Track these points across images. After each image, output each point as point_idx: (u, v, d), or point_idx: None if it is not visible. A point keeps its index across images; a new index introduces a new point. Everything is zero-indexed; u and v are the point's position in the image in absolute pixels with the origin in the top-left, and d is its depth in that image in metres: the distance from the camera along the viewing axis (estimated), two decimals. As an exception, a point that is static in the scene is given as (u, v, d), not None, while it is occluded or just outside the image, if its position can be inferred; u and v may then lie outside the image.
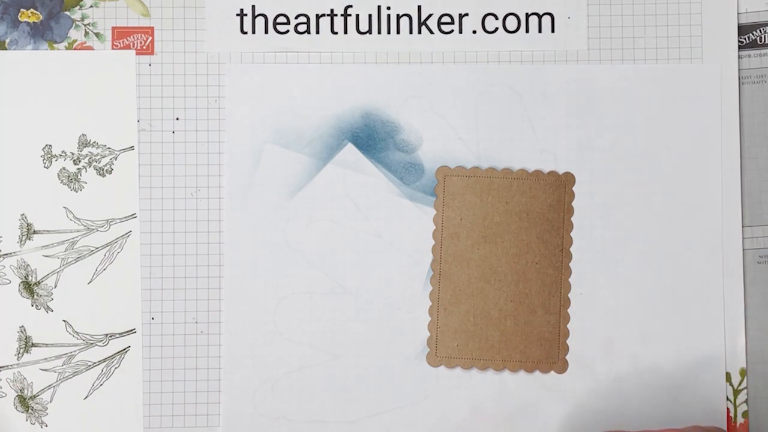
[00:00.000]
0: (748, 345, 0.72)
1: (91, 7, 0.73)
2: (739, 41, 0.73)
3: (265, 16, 0.73)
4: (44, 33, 0.73)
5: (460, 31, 0.73)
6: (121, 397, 0.71)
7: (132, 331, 0.72)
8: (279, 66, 0.73)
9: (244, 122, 0.72)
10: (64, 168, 0.72)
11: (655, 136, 0.73)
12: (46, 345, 0.71)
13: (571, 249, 0.72)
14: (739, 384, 0.72)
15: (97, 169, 0.72)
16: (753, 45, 0.73)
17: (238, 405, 0.71)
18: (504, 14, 0.74)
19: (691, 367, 0.72)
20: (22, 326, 0.71)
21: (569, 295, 0.72)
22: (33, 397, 0.71)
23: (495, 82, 0.73)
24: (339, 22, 0.73)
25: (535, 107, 0.73)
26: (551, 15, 0.74)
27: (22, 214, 0.72)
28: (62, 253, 0.72)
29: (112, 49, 0.73)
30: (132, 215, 0.72)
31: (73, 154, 0.72)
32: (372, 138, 0.73)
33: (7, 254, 0.72)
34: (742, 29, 0.74)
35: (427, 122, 0.73)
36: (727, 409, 0.72)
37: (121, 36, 0.73)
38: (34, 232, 0.72)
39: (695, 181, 0.73)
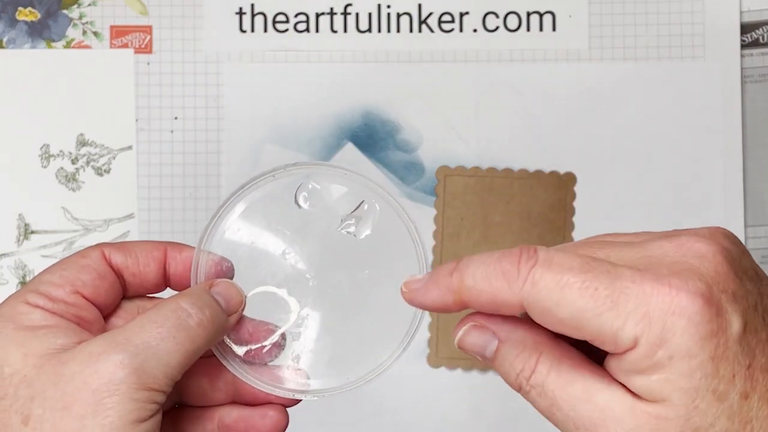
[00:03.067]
0: (750, 345, 0.72)
1: (90, 5, 0.73)
2: (741, 40, 0.73)
3: (264, 14, 0.73)
4: (42, 32, 0.72)
5: (461, 30, 0.73)
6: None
7: (130, 331, 0.71)
8: (278, 65, 0.73)
9: (243, 122, 0.72)
10: (61, 168, 0.72)
11: (657, 135, 0.73)
12: (44, 346, 0.71)
13: (573, 249, 0.72)
14: (741, 385, 0.72)
15: (95, 169, 0.72)
16: (755, 44, 0.73)
17: (237, 406, 0.71)
18: (505, 13, 0.73)
19: (693, 367, 0.72)
20: (20, 327, 0.71)
21: (570, 295, 0.72)
22: (31, 398, 0.71)
23: (496, 81, 0.73)
24: (339, 20, 0.73)
25: (536, 106, 0.73)
26: (552, 13, 0.73)
27: (20, 214, 0.72)
28: (60, 253, 0.71)
29: (111, 48, 0.73)
30: (130, 215, 0.72)
31: (71, 153, 0.72)
32: (372, 138, 0.72)
33: (4, 254, 0.72)
34: (744, 28, 0.73)
35: (427, 122, 0.72)
36: (729, 410, 0.72)
37: (120, 35, 0.73)
38: (32, 232, 0.72)
39: (697, 180, 0.72)
